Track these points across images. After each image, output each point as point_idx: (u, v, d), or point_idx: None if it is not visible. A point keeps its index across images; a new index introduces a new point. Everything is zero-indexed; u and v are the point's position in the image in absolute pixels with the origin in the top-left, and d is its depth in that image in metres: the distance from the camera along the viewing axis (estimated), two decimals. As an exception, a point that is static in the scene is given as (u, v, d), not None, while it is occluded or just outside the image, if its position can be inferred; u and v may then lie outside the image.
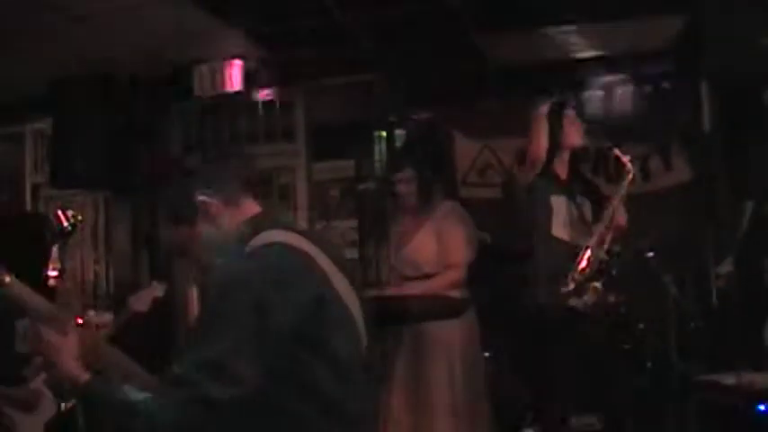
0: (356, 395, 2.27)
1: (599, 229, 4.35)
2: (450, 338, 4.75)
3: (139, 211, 7.54)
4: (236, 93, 7.09)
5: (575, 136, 4.56)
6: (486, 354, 5.25)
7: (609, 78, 6.85)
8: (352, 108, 7.18)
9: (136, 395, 2.10)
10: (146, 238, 7.41)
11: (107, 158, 6.75)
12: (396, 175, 4.99)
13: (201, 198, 2.37)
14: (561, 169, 4.58)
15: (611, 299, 4.30)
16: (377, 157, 7.24)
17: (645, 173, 6.58)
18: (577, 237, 4.42)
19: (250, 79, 7.04)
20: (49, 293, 3.63)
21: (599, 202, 4.56)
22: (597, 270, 4.26)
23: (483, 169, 7.02)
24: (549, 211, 4.45)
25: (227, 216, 2.38)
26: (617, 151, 4.52)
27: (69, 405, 4.68)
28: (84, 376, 2.18)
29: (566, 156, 4.60)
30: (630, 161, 4.58)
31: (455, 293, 4.78)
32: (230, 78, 6.99)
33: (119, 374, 2.36)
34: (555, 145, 4.55)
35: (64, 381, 2.22)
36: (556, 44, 6.65)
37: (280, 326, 2.10)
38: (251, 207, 2.42)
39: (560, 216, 4.45)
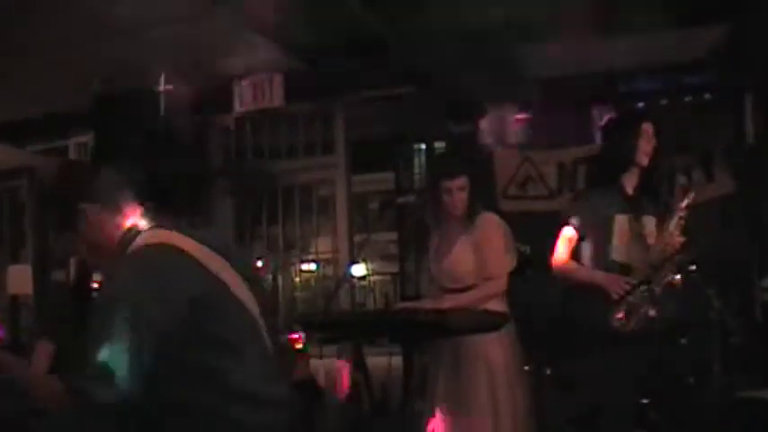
0: (255, 377, 2.38)
1: (653, 253, 4.30)
2: (491, 352, 4.71)
3: (179, 221, 7.60)
4: (276, 106, 7.13)
5: (648, 154, 4.47)
6: (527, 367, 5.22)
7: (650, 90, 6.80)
8: (392, 121, 7.19)
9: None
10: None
11: (148, 171, 6.81)
12: (447, 183, 4.90)
13: (83, 206, 2.48)
14: (630, 184, 4.51)
15: (652, 312, 4.24)
16: (416, 169, 7.24)
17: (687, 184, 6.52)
18: (635, 258, 4.36)
19: (290, 93, 7.07)
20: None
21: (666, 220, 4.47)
22: (643, 290, 4.21)
23: (523, 182, 7.00)
24: (611, 230, 4.39)
25: (109, 222, 2.49)
26: (678, 177, 4.47)
27: None
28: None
29: (635, 170, 4.51)
30: (672, 173, 4.53)
31: (495, 306, 4.75)
32: (270, 92, 7.04)
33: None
34: (626, 159, 4.48)
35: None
36: (597, 56, 6.62)
37: (157, 325, 2.21)
38: (134, 210, 2.53)
39: (621, 236, 4.39)
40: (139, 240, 2.42)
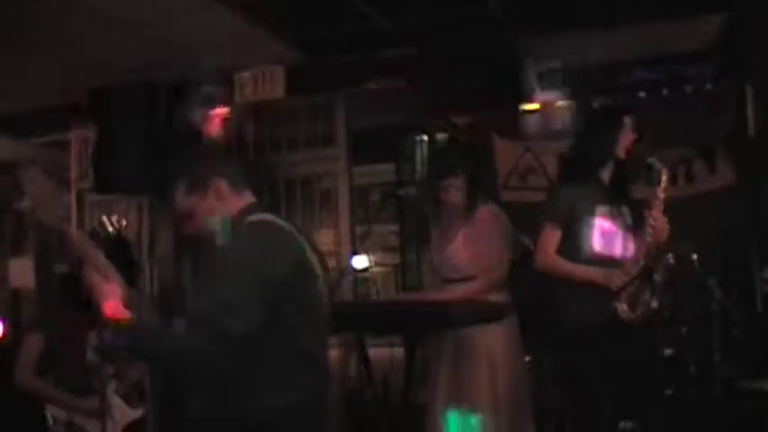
0: (317, 338, 2.86)
1: (641, 242, 4.28)
2: (492, 343, 4.73)
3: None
4: (277, 99, 7.12)
5: (626, 148, 4.46)
6: (527, 358, 5.23)
7: (651, 80, 6.79)
8: (393, 113, 7.18)
9: (168, 328, 2.61)
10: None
11: (150, 164, 6.80)
12: (443, 182, 4.93)
13: (217, 178, 2.92)
14: (606, 176, 4.50)
15: (654, 303, 4.24)
16: (417, 161, 7.24)
17: (689, 175, 6.52)
18: (620, 249, 4.36)
19: (291, 85, 7.06)
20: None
21: (638, 211, 4.46)
22: (642, 280, 4.20)
23: (524, 173, 7.00)
24: (592, 223, 4.38)
25: (231, 199, 2.93)
26: (652, 161, 4.41)
27: (140, 414, 4.78)
28: (125, 314, 2.60)
29: (611, 163, 4.51)
30: (674, 164, 4.51)
31: (496, 297, 4.76)
32: (271, 84, 7.03)
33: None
34: (607, 152, 4.48)
35: (106, 319, 2.61)
36: (597, 47, 6.62)
37: (274, 279, 2.67)
38: (248, 197, 2.99)
39: (604, 228, 4.38)
40: (252, 218, 2.83)
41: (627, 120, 4.48)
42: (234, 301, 2.58)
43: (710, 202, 6.49)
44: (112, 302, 2.60)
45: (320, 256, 3.03)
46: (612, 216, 4.38)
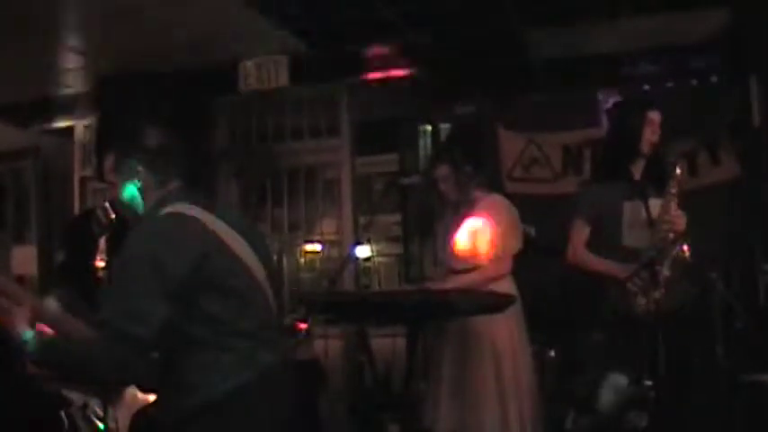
0: (258, 318, 2.81)
1: (656, 236, 4.31)
2: (497, 333, 4.73)
3: (199, 198, 7.59)
4: (281, 88, 7.12)
5: (651, 143, 4.48)
6: (531, 349, 5.22)
7: (655, 73, 6.78)
8: (397, 103, 7.17)
9: (74, 344, 2.72)
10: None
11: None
12: (433, 172, 4.99)
13: (136, 163, 2.88)
14: (636, 171, 4.53)
15: (657, 294, 4.25)
16: (421, 151, 7.23)
17: (692, 168, 6.50)
18: (647, 242, 4.37)
19: (294, 75, 7.06)
20: (98, 284, 3.72)
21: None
22: (652, 272, 4.23)
23: (528, 164, 6.98)
24: (620, 217, 4.42)
25: (152, 188, 2.89)
26: (669, 157, 4.45)
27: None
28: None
29: (642, 158, 4.54)
30: (678, 156, 4.52)
31: (503, 287, 4.76)
32: (275, 74, 7.03)
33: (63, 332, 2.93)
34: (631, 147, 4.50)
35: (17, 340, 2.65)
36: (600, 38, 6.60)
37: (173, 274, 2.61)
38: (171, 184, 2.92)
39: (632, 222, 4.41)
40: (161, 212, 2.78)
41: (652, 115, 4.49)
42: (135, 307, 2.56)
43: (714, 194, 6.46)
44: (20, 323, 2.64)
45: (261, 239, 3.08)
46: (640, 209, 4.39)
